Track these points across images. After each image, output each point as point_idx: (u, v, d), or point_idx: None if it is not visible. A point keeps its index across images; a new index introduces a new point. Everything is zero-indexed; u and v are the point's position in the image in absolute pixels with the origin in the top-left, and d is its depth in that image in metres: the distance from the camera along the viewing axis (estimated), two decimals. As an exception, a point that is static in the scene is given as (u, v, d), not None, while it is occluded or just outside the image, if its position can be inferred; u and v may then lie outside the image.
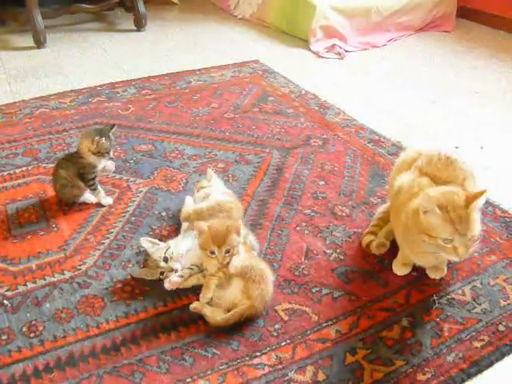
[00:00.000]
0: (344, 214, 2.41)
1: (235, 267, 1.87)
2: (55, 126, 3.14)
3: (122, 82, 3.77)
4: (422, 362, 1.72)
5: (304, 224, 2.34)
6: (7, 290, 1.98)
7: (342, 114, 3.33)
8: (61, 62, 4.14)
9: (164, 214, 2.40)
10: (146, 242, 2.04)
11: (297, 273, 2.08)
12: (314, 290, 2.00)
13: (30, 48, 4.39)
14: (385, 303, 1.95)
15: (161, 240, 2.08)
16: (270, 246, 2.21)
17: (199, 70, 4.00)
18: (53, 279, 2.04)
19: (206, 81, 3.81)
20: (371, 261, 2.13)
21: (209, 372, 1.69)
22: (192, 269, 1.98)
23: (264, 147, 2.94)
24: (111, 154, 2.42)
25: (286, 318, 1.88)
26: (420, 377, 1.67)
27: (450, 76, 4.00)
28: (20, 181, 2.62)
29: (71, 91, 3.60)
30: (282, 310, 1.91)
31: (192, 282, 1.98)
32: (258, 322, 1.86)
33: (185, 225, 2.19)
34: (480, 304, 1.94)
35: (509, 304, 1.95)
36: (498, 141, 3.09)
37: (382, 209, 2.30)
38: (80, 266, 2.11)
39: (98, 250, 2.19)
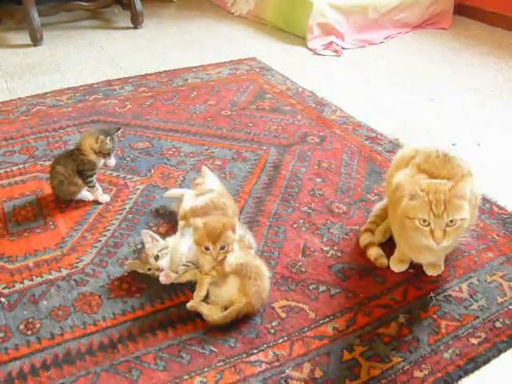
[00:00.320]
0: (341, 211, 2.41)
1: (230, 265, 1.87)
2: (52, 123, 3.14)
3: (119, 79, 3.77)
4: (419, 358, 1.72)
5: (301, 221, 2.34)
6: (4, 288, 1.98)
7: (339, 112, 3.33)
8: (57, 59, 4.13)
9: (161, 211, 2.40)
10: (146, 236, 2.05)
11: (294, 270, 2.08)
12: (311, 287, 2.00)
13: (27, 45, 4.40)
14: (382, 300, 1.95)
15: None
16: (267, 243, 2.21)
17: (196, 67, 4.00)
18: (50, 277, 2.04)
19: (202, 78, 3.81)
20: (368, 258, 2.13)
21: (206, 369, 1.69)
22: (188, 265, 1.98)
23: (261, 144, 2.94)
24: (112, 155, 2.42)
25: (283, 315, 1.88)
26: (417, 373, 1.67)
27: (447, 73, 3.99)
28: (17, 178, 2.62)
29: (68, 89, 3.60)
30: (279, 307, 1.91)
31: (187, 277, 1.98)
32: (255, 319, 1.86)
33: (181, 223, 2.19)
34: (477, 301, 1.95)
35: (506, 301, 1.95)
36: (495, 138, 3.09)
37: (379, 206, 2.30)
38: (77, 263, 2.10)
39: (95, 247, 2.19)
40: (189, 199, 2.27)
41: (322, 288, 2.00)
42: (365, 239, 2.17)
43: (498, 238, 2.26)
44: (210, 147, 2.91)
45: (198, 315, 1.84)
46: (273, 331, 1.82)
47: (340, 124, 3.18)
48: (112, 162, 2.44)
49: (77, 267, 2.08)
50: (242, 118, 3.23)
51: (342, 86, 3.75)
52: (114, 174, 2.65)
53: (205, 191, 2.26)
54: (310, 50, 4.39)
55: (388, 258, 2.09)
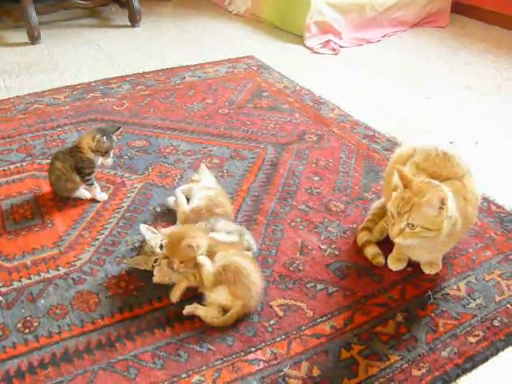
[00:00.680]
0: (339, 210, 2.41)
1: (208, 281, 1.87)
2: (50, 121, 3.13)
3: (117, 77, 3.77)
4: (417, 357, 1.73)
5: (299, 219, 2.34)
6: (2, 286, 1.98)
7: (337, 110, 3.33)
8: (55, 57, 4.13)
9: (159, 209, 2.40)
10: (145, 229, 2.06)
11: (292, 268, 2.08)
12: (308, 286, 2.00)
13: (25, 44, 4.39)
14: (380, 299, 1.95)
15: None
16: (264, 241, 2.21)
17: (194, 65, 3.99)
18: (47, 275, 2.03)
19: (200, 76, 3.80)
20: (366, 256, 2.13)
21: (204, 368, 1.69)
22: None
23: (259, 143, 2.94)
24: (111, 154, 2.42)
25: (280, 313, 1.88)
26: (415, 372, 1.68)
27: (444, 71, 4.00)
28: (14, 177, 2.61)
29: (66, 87, 3.59)
30: (277, 306, 1.91)
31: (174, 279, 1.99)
32: (253, 318, 1.86)
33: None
34: (475, 299, 1.95)
35: (503, 299, 1.95)
36: (493, 136, 3.10)
37: (376, 204, 2.30)
38: (75, 261, 2.10)
39: (93, 245, 2.19)
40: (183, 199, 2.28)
41: (320, 286, 2.00)
42: (362, 237, 2.17)
43: (495, 236, 2.26)
44: (207, 145, 2.91)
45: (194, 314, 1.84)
46: (270, 329, 1.82)
47: (338, 122, 3.18)
48: (109, 161, 2.44)
49: (74, 265, 2.08)
50: (239, 117, 3.23)
51: (339, 84, 3.75)
52: (112, 172, 2.65)
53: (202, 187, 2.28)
54: (308, 48, 4.38)
55: (385, 256, 2.09)
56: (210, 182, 2.36)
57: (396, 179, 1.82)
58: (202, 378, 1.65)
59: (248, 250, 2.04)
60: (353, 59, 4.22)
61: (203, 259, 1.89)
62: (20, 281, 2.01)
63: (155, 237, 2.05)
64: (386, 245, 2.11)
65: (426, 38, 4.72)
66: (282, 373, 1.67)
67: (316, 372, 1.68)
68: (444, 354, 1.74)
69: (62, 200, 2.44)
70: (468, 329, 1.83)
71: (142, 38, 4.63)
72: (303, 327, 1.83)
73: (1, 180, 2.59)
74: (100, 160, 2.42)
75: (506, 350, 1.77)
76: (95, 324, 1.83)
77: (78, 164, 2.38)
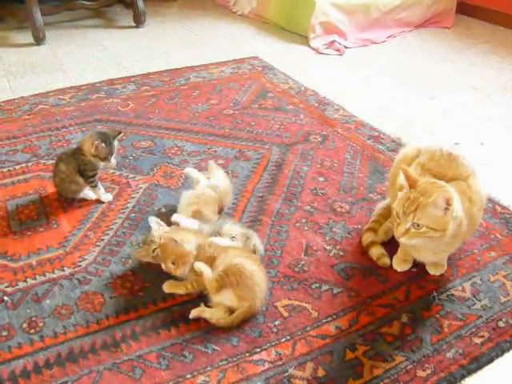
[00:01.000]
0: (344, 211, 2.41)
1: (211, 287, 1.86)
2: (55, 122, 3.14)
3: (122, 78, 3.77)
4: (422, 358, 1.72)
5: (304, 220, 2.34)
6: (7, 287, 1.98)
7: (342, 111, 3.33)
8: (60, 58, 4.13)
9: (164, 210, 2.40)
10: (153, 222, 2.07)
11: (296, 269, 2.08)
12: (313, 287, 2.00)
13: (30, 44, 4.40)
14: (385, 299, 1.95)
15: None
16: (269, 242, 2.21)
17: (198, 66, 4.00)
18: (53, 275, 2.04)
19: (205, 77, 3.81)
20: (371, 257, 2.13)
21: (209, 368, 1.69)
22: None
23: (263, 143, 2.94)
24: (112, 159, 2.41)
25: (285, 314, 1.88)
26: (420, 373, 1.67)
27: (449, 72, 3.99)
28: (20, 177, 2.62)
29: (70, 88, 3.60)
30: (282, 307, 1.91)
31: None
32: (258, 318, 1.86)
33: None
34: (480, 300, 1.94)
35: (509, 300, 1.95)
36: (498, 137, 3.09)
37: (381, 205, 2.30)
38: (80, 262, 2.11)
39: (98, 246, 2.19)
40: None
41: (325, 287, 2.00)
42: (367, 238, 2.17)
43: (501, 237, 2.26)
44: (212, 146, 2.91)
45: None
46: (275, 330, 1.82)
47: (342, 123, 3.18)
48: (113, 163, 2.43)
49: (80, 266, 2.09)
50: (244, 117, 3.23)
51: (344, 85, 3.75)
52: (117, 172, 2.65)
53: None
54: (313, 49, 4.38)
55: (390, 257, 2.09)
56: (219, 179, 2.36)
57: (402, 179, 1.82)
58: (207, 379, 1.65)
59: (254, 252, 2.04)
60: (357, 60, 4.22)
61: (200, 266, 1.88)
62: (25, 281, 2.01)
63: (159, 229, 2.06)
64: (391, 246, 2.11)
65: (430, 38, 4.72)
66: (287, 373, 1.67)
67: (321, 373, 1.68)
68: (449, 354, 1.73)
69: (67, 201, 2.45)
70: (473, 330, 1.82)
71: (146, 39, 4.64)
72: (308, 328, 1.83)
73: (6, 180, 2.59)
74: (102, 163, 2.42)
75: (511, 351, 1.77)
76: (100, 324, 1.84)
77: (80, 166, 2.38)
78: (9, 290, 1.97)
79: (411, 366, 1.70)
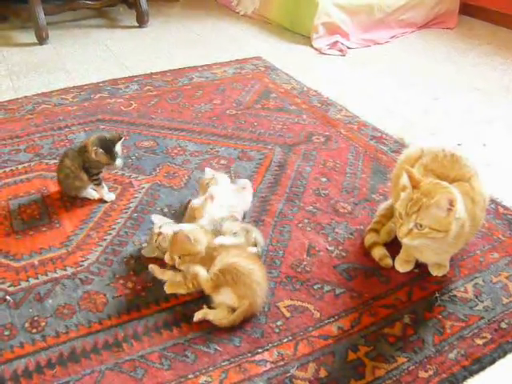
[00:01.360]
0: (346, 211, 2.41)
1: (207, 287, 1.87)
2: (57, 122, 3.14)
3: (125, 78, 3.77)
4: (424, 359, 1.72)
5: (306, 221, 2.34)
6: (10, 286, 1.99)
7: (345, 111, 3.33)
8: (63, 58, 4.14)
9: (166, 210, 2.40)
10: (156, 218, 2.10)
11: (299, 269, 2.08)
12: (315, 287, 2.00)
13: (33, 44, 4.40)
14: (387, 300, 1.94)
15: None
16: (272, 242, 2.21)
17: (201, 66, 4.00)
18: (55, 275, 2.04)
19: (208, 77, 3.81)
20: (373, 258, 2.13)
21: (211, 368, 1.69)
22: None
23: (266, 144, 2.94)
24: (117, 161, 2.41)
25: (287, 314, 1.88)
26: (422, 374, 1.67)
27: (452, 73, 3.99)
28: (22, 177, 2.62)
29: (73, 87, 3.60)
30: (284, 307, 1.91)
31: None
32: (260, 319, 1.86)
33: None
34: (482, 301, 1.94)
35: (511, 301, 1.95)
36: (501, 138, 3.09)
37: (384, 206, 2.30)
38: (82, 261, 2.11)
39: (101, 246, 2.19)
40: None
41: (327, 288, 2.00)
42: (370, 239, 2.17)
43: (503, 238, 2.26)
44: (215, 146, 2.91)
45: (202, 314, 1.85)
46: (277, 331, 1.82)
47: (345, 123, 3.17)
48: (118, 164, 2.43)
49: (82, 266, 2.09)
50: (247, 118, 3.23)
51: (347, 85, 3.75)
52: (120, 172, 2.65)
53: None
54: (315, 49, 4.38)
55: (393, 258, 2.09)
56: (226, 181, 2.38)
57: (405, 180, 1.82)
58: (209, 379, 1.65)
59: (255, 245, 2.04)
60: (360, 60, 4.21)
61: (195, 268, 1.89)
62: (28, 281, 2.01)
63: (163, 222, 2.09)
64: (394, 246, 2.11)
65: (433, 39, 4.71)
66: (289, 374, 1.67)
67: (323, 373, 1.68)
68: (451, 356, 1.73)
69: (69, 200, 2.45)
70: (475, 331, 1.82)
71: (149, 39, 4.64)
72: (310, 328, 1.83)
73: (9, 180, 2.60)
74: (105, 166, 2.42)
75: (514, 353, 1.77)
76: (102, 324, 1.84)
77: (85, 163, 2.38)
78: (11, 289, 1.97)
79: (413, 366, 1.70)
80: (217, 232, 2.05)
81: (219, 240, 1.99)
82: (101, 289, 1.98)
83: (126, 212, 2.39)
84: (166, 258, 1.99)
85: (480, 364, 1.71)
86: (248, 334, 1.81)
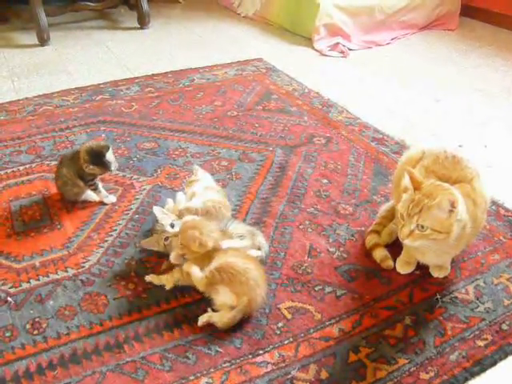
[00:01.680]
0: (347, 213, 2.41)
1: (201, 286, 1.89)
2: (59, 123, 3.14)
3: (126, 79, 3.78)
4: (425, 360, 1.72)
5: (307, 222, 2.34)
6: (11, 287, 1.99)
7: (346, 113, 3.33)
8: (64, 59, 4.14)
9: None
10: (158, 211, 2.10)
11: (300, 271, 2.08)
12: (317, 289, 2.00)
13: (34, 45, 4.41)
14: (388, 302, 1.94)
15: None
16: (273, 244, 2.21)
17: (202, 68, 4.00)
18: (56, 276, 2.04)
19: (209, 79, 3.81)
20: (374, 259, 2.13)
21: (212, 370, 1.69)
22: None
23: (267, 145, 2.94)
24: (112, 168, 2.41)
25: (289, 316, 1.88)
26: (423, 375, 1.67)
27: (453, 74, 3.99)
28: (23, 178, 2.62)
29: (75, 89, 3.61)
30: (285, 309, 1.91)
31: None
32: (261, 320, 1.86)
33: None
34: (483, 303, 1.94)
35: (512, 303, 1.95)
36: (502, 139, 3.09)
37: (385, 207, 2.30)
38: (83, 263, 2.11)
39: (102, 247, 2.19)
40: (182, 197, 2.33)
41: (328, 289, 2.00)
42: (371, 240, 2.17)
43: (504, 240, 2.25)
44: (216, 148, 2.91)
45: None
46: (279, 332, 1.82)
47: (346, 125, 3.17)
48: (113, 170, 2.43)
49: (83, 267, 2.09)
50: (248, 119, 3.23)
51: (348, 87, 3.75)
52: (121, 174, 2.66)
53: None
54: (317, 50, 4.38)
55: (394, 259, 2.09)
56: (210, 181, 2.37)
57: (406, 181, 1.82)
58: (210, 381, 1.65)
59: (259, 249, 2.04)
60: (362, 62, 4.21)
61: (189, 267, 1.90)
62: (29, 282, 2.01)
63: (167, 217, 2.08)
64: (395, 248, 2.11)
65: (435, 40, 4.71)
66: (290, 375, 1.67)
67: (324, 375, 1.68)
68: (452, 357, 1.73)
69: (70, 202, 2.45)
70: (476, 332, 1.82)
71: (150, 40, 4.64)
72: (311, 330, 1.83)
73: (10, 181, 2.60)
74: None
75: (515, 354, 1.77)
76: (103, 325, 1.84)
77: (79, 171, 2.37)
78: (12, 290, 1.97)
79: (414, 368, 1.70)
80: (223, 232, 2.04)
81: (227, 244, 1.99)
82: (102, 290, 1.98)
83: (128, 213, 2.39)
84: (173, 258, 1.99)
85: (481, 366, 1.71)
86: (249, 335, 1.81)
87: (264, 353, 1.75)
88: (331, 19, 4.42)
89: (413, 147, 2.16)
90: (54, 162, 2.70)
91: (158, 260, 2.10)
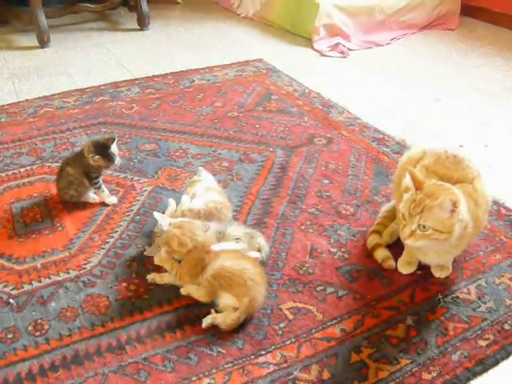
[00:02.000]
0: (348, 213, 2.41)
1: (203, 296, 1.90)
2: (59, 125, 3.15)
3: (126, 81, 3.78)
4: (427, 360, 1.72)
5: (308, 223, 2.34)
6: (13, 289, 1.99)
7: (346, 113, 3.33)
8: (64, 61, 4.15)
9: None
10: (159, 216, 2.08)
11: (301, 271, 2.08)
12: (318, 289, 2.00)
13: (34, 47, 4.41)
14: (390, 302, 1.94)
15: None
16: (274, 244, 2.21)
17: (203, 69, 4.00)
18: (58, 278, 2.04)
19: (209, 80, 3.81)
20: (376, 259, 2.13)
21: (214, 371, 1.69)
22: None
23: (268, 146, 2.94)
24: (116, 160, 2.42)
25: (290, 316, 1.88)
26: (425, 375, 1.67)
27: (453, 74, 3.99)
28: (25, 180, 2.63)
29: (75, 90, 3.61)
30: (287, 309, 1.91)
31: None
32: (263, 321, 1.86)
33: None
34: (485, 303, 1.94)
35: (514, 302, 1.95)
36: (503, 139, 3.09)
37: (386, 207, 2.30)
38: (85, 264, 2.11)
39: (103, 249, 2.19)
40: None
41: (330, 290, 2.00)
42: (372, 241, 2.17)
43: (505, 239, 2.25)
44: (216, 149, 2.91)
45: (205, 316, 1.84)
46: (280, 333, 1.82)
47: (347, 125, 3.17)
48: (116, 164, 2.43)
49: (85, 269, 2.09)
50: (248, 120, 3.23)
51: (348, 87, 3.75)
52: (122, 175, 2.66)
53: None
54: (317, 51, 4.38)
55: (395, 259, 2.09)
56: (212, 182, 2.37)
57: (407, 181, 1.82)
58: (212, 381, 1.65)
59: (259, 251, 2.04)
60: (361, 62, 4.22)
61: (186, 291, 1.94)
62: (31, 284, 2.02)
63: (167, 221, 2.07)
64: (396, 248, 2.11)
65: (435, 40, 4.71)
66: (292, 376, 1.67)
67: (326, 375, 1.68)
68: (454, 357, 1.73)
69: (71, 203, 2.45)
70: (478, 332, 1.82)
71: (150, 42, 4.65)
72: (313, 330, 1.83)
73: (11, 183, 2.60)
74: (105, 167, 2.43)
75: (517, 354, 1.77)
76: (105, 327, 1.84)
77: (85, 169, 2.38)
78: (14, 292, 1.98)
79: (416, 368, 1.70)
80: (222, 235, 2.04)
81: (218, 247, 1.98)
82: (104, 291, 1.98)
83: (129, 215, 2.39)
84: (156, 258, 2.03)
85: (483, 365, 1.71)
86: (251, 336, 1.81)
87: (266, 353, 1.75)
88: (331, 19, 4.43)
89: (413, 147, 2.15)
90: (54, 164, 2.70)
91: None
